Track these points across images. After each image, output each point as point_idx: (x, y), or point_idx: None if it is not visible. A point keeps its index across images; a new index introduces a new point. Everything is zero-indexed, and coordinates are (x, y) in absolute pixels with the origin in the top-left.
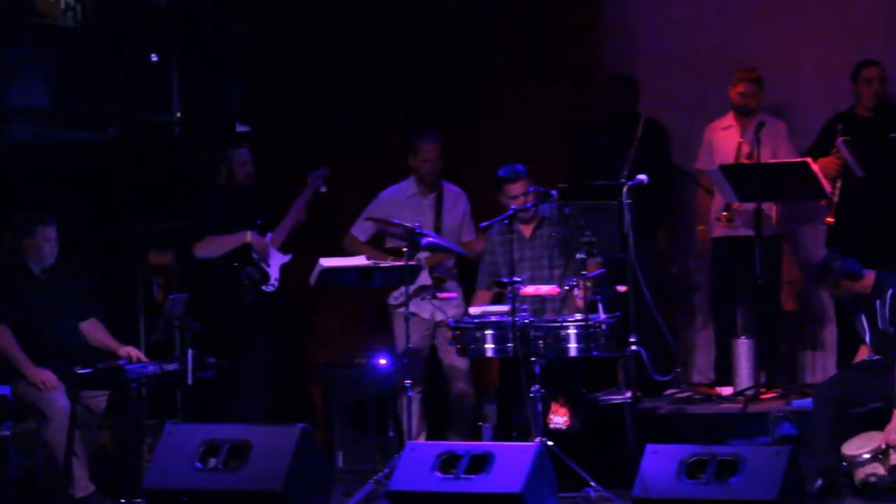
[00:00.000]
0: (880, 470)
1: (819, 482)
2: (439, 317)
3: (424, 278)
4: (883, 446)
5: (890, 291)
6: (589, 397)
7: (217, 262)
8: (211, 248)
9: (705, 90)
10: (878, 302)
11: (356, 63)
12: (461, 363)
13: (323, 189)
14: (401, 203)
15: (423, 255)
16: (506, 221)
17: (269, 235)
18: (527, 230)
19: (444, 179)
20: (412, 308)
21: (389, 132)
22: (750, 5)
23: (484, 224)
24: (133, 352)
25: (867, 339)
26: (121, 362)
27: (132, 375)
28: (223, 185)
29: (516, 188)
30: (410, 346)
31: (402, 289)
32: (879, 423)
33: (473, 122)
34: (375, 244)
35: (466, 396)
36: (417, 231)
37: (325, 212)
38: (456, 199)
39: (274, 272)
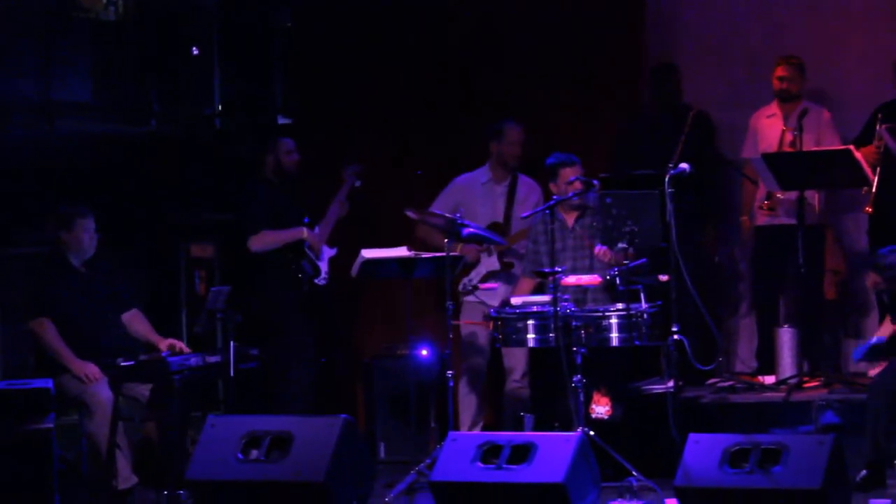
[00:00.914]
0: None
1: (864, 472)
2: None
3: (493, 263)
4: None
5: None
6: (631, 387)
7: (270, 256)
8: (267, 242)
9: (749, 80)
10: None
11: (400, 57)
12: (520, 356)
13: (357, 184)
14: (474, 189)
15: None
16: (547, 211)
17: (316, 229)
18: (569, 219)
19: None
20: (481, 297)
21: (431, 125)
22: None
23: (525, 214)
24: (176, 343)
25: None
26: (163, 354)
27: (174, 367)
28: (271, 175)
29: (573, 172)
30: (470, 335)
31: (471, 276)
32: None
33: (519, 115)
34: None
35: (521, 391)
36: (458, 221)
37: (366, 204)
38: (530, 191)
39: (324, 266)
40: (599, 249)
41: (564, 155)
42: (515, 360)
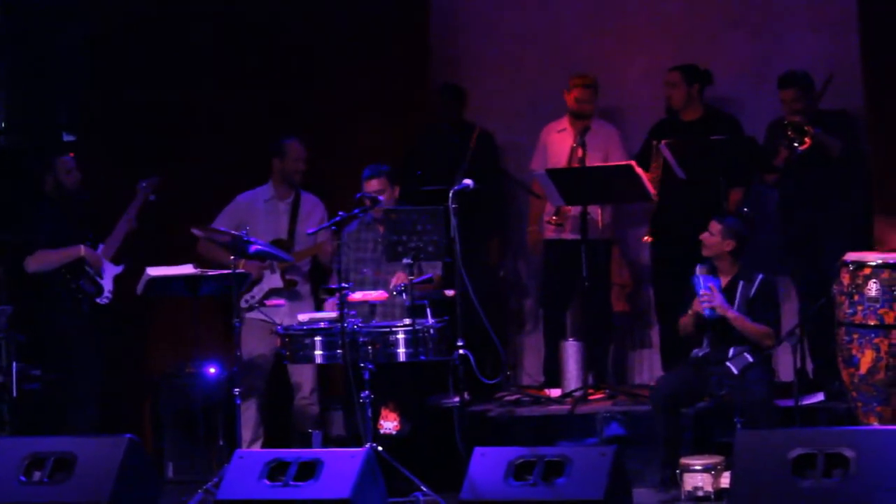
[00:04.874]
0: (708, 486)
1: (662, 475)
2: (287, 322)
3: (276, 281)
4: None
5: (760, 277)
6: (419, 402)
7: (49, 275)
8: (43, 262)
9: (536, 96)
10: (742, 282)
11: (187, 71)
12: (307, 373)
13: (152, 198)
14: (257, 206)
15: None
16: (334, 228)
17: (100, 247)
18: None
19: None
20: (266, 314)
21: (222, 140)
22: (576, 10)
23: (311, 231)
24: None
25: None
26: None
27: None
28: (51, 193)
29: (372, 185)
30: (250, 352)
31: (252, 293)
32: (713, 421)
33: (307, 131)
34: None
35: (310, 407)
36: (244, 238)
37: (159, 220)
38: (313, 207)
39: (107, 284)
40: (396, 280)
41: (367, 168)
42: (303, 377)
